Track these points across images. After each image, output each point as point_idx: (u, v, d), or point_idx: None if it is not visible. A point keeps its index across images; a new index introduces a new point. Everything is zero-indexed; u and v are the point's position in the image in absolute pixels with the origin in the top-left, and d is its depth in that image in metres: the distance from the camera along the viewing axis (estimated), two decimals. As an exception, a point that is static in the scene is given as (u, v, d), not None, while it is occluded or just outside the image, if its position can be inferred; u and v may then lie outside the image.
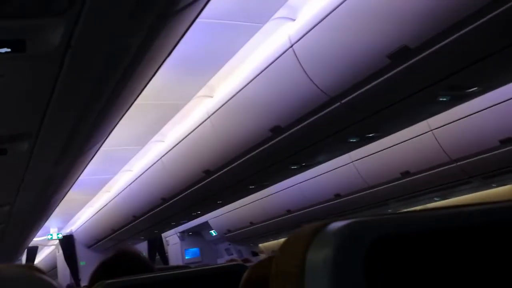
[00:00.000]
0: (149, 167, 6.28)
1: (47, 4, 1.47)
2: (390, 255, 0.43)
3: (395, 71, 3.14)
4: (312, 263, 0.43)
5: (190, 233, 10.40)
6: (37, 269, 0.49)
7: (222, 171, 5.31)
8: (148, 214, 7.46)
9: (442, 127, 4.60)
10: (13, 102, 2.28)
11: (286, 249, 0.47)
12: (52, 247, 11.53)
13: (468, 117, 4.34)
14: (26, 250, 10.53)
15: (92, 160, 5.13)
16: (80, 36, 1.69)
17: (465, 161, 4.67)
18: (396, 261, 0.43)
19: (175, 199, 6.55)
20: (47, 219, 7.28)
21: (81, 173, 5.26)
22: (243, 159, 4.88)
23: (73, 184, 5.63)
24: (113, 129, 3.76)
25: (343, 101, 3.59)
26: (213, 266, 1.40)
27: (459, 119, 4.41)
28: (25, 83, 2.06)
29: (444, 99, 3.53)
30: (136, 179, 6.75)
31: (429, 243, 0.44)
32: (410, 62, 3.03)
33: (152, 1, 1.74)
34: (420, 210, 0.48)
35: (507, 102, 4.10)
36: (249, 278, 0.62)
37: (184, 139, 5.29)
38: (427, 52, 2.91)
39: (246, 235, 8.97)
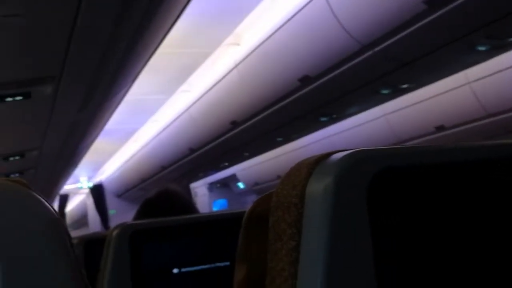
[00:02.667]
0: (177, 118, 6.28)
1: None
2: (394, 187, 0.41)
3: (431, 17, 2.99)
4: (312, 192, 0.41)
5: (218, 185, 10.51)
6: (24, 184, 0.42)
7: (249, 123, 5.26)
8: (176, 165, 7.54)
9: (481, 80, 4.40)
10: (32, 43, 2.25)
11: (286, 180, 0.44)
12: (83, 196, 11.88)
13: (510, 69, 4.13)
14: (58, 197, 10.89)
15: (120, 109, 5.15)
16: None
17: (503, 116, 4.49)
18: (400, 193, 0.41)
19: (202, 150, 6.57)
20: (76, 166, 7.46)
21: (107, 121, 5.31)
22: (270, 110, 4.80)
23: (100, 132, 5.69)
24: (137, 75, 3.72)
25: (376, 49, 3.45)
26: (239, 210, 1.36)
27: (500, 71, 4.19)
28: (42, 23, 2.01)
29: (483, 49, 3.36)
30: (164, 129, 6.78)
31: (435, 176, 0.43)
32: (447, 8, 2.87)
33: None
34: (428, 145, 0.46)
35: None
36: (252, 212, 0.58)
37: (211, 89, 5.23)
38: (466, -3, 2.73)
39: (273, 188, 8.95)
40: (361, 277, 0.39)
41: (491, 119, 4.61)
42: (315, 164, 0.42)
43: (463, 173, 0.43)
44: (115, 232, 1.15)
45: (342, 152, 0.42)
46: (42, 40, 2.28)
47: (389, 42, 3.32)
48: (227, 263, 1.18)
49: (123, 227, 1.16)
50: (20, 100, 3.08)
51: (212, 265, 1.19)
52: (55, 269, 0.38)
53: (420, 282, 0.40)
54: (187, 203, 1.57)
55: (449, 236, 0.42)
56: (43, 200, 0.41)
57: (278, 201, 0.44)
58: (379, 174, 0.40)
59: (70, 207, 13.25)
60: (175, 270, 1.17)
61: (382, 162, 0.41)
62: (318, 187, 0.40)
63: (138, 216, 1.53)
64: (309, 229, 0.40)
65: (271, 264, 0.43)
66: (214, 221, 1.26)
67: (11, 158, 4.84)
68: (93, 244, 1.73)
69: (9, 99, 3.07)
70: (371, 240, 0.39)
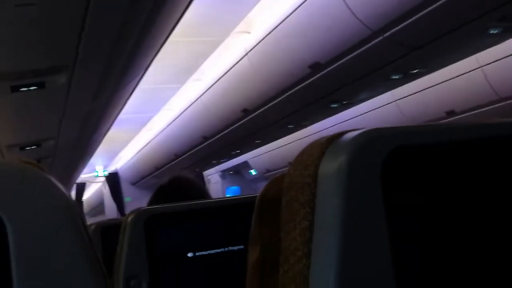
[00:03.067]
0: (189, 106, 6.31)
1: None
2: (409, 165, 0.40)
3: (442, 1, 2.95)
4: (325, 172, 0.40)
5: (231, 172, 10.57)
6: (38, 165, 0.40)
7: (260, 110, 5.27)
8: (189, 153, 7.59)
9: (493, 63, 4.36)
10: (45, 32, 2.28)
11: (299, 161, 0.44)
12: (99, 184, 12.02)
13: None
14: (75, 186, 11.03)
15: (133, 98, 5.19)
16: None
17: (515, 100, 4.45)
18: (415, 172, 0.40)
19: (215, 138, 6.60)
20: (91, 155, 7.54)
21: (121, 110, 5.35)
22: (281, 97, 4.81)
23: (114, 121, 5.75)
24: (149, 64, 3.75)
25: (386, 35, 3.43)
26: (251, 195, 1.38)
27: (512, 55, 4.15)
28: (55, 12, 2.04)
29: (495, 31, 3.32)
30: (177, 118, 6.82)
31: (450, 155, 0.42)
32: (459, -10, 2.84)
33: None
34: (442, 123, 0.45)
35: None
36: (265, 194, 0.58)
37: (222, 77, 5.25)
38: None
39: (285, 174, 9.00)
40: (376, 255, 0.38)
41: (503, 103, 4.57)
42: (328, 143, 0.41)
43: (479, 150, 0.43)
44: (130, 217, 1.18)
45: (355, 131, 0.41)
46: (55, 30, 2.31)
47: (399, 27, 3.29)
48: (241, 247, 1.21)
49: (139, 212, 1.18)
50: (34, 90, 3.12)
51: (227, 249, 1.22)
52: (70, 253, 0.36)
53: (436, 260, 0.40)
54: (199, 189, 1.59)
55: (464, 214, 0.41)
56: (57, 183, 0.39)
57: (291, 181, 0.44)
58: (393, 153, 0.39)
59: (86, 195, 13.40)
60: (190, 254, 1.20)
61: (396, 140, 0.40)
62: (331, 166, 0.40)
63: (152, 202, 1.56)
64: (322, 209, 0.40)
65: (284, 244, 0.43)
66: (228, 206, 1.28)
67: (28, 148, 4.91)
68: (110, 229, 1.76)
69: (24, 89, 3.12)
70: (385, 219, 0.38)
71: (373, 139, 0.40)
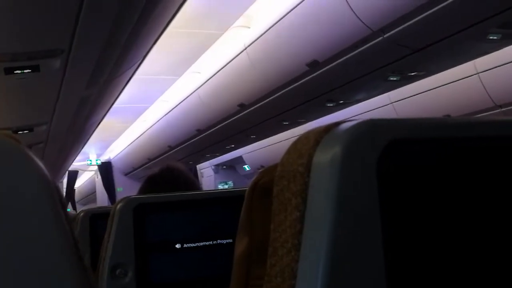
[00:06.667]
0: (185, 98, 6.29)
1: None
2: (406, 159, 0.39)
3: (444, 4, 2.95)
4: (319, 162, 0.39)
5: (224, 167, 10.56)
6: (12, 136, 0.36)
7: (256, 105, 5.27)
8: (183, 145, 7.57)
9: (490, 70, 4.37)
10: (41, 14, 2.25)
11: (293, 149, 0.42)
12: (92, 173, 11.99)
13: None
14: (67, 173, 11.00)
15: (129, 89, 5.17)
16: None
17: (510, 107, 4.47)
18: (412, 165, 0.39)
19: (209, 131, 6.59)
20: (85, 143, 7.50)
21: (116, 99, 5.32)
22: (278, 93, 4.80)
23: (109, 109, 5.72)
24: (146, 54, 3.73)
25: (386, 35, 3.42)
26: (241, 188, 1.36)
27: (509, 62, 4.16)
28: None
29: (495, 38, 3.33)
30: (172, 109, 6.80)
31: (449, 150, 0.41)
32: (461, -6, 2.83)
33: None
34: (444, 118, 0.44)
35: None
36: (256, 183, 0.56)
37: (220, 71, 5.23)
38: (480, -16, 2.70)
39: (278, 172, 9.02)
40: (368, 250, 0.37)
41: (499, 110, 4.58)
42: (324, 132, 0.40)
43: (479, 148, 0.42)
44: (119, 205, 1.16)
45: (352, 122, 0.40)
46: (51, 12, 2.28)
47: (399, 28, 3.29)
48: (230, 241, 1.20)
49: (128, 200, 1.17)
50: (29, 73, 3.09)
51: (215, 242, 1.21)
52: (44, 230, 0.34)
53: (428, 255, 0.39)
54: (190, 180, 1.57)
55: (460, 210, 0.40)
56: (34, 157, 0.35)
57: (283, 170, 0.42)
58: (390, 145, 0.38)
59: (79, 183, 13.36)
60: (178, 245, 1.19)
61: (393, 133, 0.39)
62: (325, 156, 0.38)
63: (142, 191, 1.55)
64: (314, 199, 0.38)
65: (274, 236, 0.41)
66: (218, 198, 1.26)
67: (20, 132, 4.88)
68: (99, 217, 1.75)
69: (18, 71, 3.08)
70: (379, 212, 0.37)
71: (370, 130, 0.38)
